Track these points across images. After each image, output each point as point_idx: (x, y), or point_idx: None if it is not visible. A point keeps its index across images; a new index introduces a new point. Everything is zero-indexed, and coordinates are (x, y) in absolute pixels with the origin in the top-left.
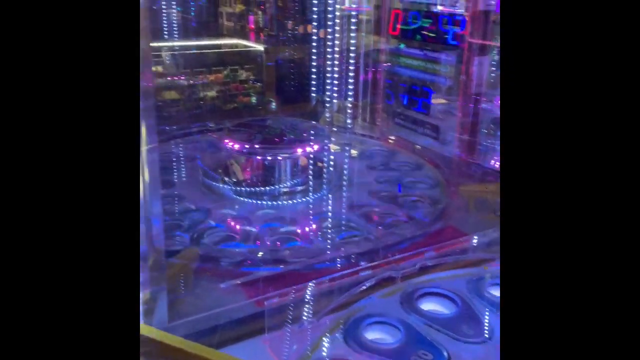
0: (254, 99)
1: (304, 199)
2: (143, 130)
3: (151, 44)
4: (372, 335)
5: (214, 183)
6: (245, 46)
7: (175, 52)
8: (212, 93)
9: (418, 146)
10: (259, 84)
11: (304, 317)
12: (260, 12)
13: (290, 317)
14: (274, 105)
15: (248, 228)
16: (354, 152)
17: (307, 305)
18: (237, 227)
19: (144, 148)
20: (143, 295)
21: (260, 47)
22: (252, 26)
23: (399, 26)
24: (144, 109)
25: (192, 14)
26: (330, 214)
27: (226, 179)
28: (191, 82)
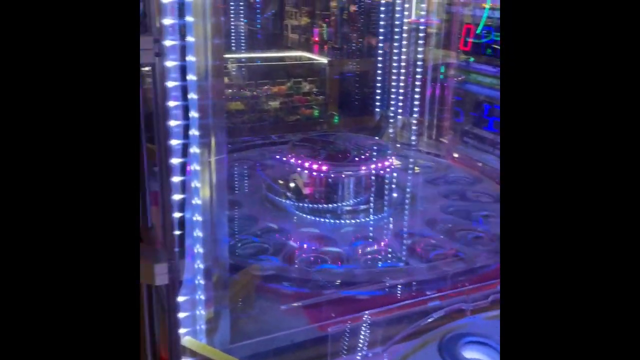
0: (316, 112)
1: (373, 217)
2: (212, 144)
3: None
4: (470, 354)
5: (277, 198)
6: (309, 59)
7: (242, 64)
8: (275, 104)
9: (487, 166)
10: (321, 96)
11: (365, 347)
12: (324, 25)
13: (353, 344)
14: (336, 119)
15: (335, 248)
16: (417, 169)
17: (368, 334)
18: (325, 247)
19: (212, 159)
20: (206, 313)
21: (324, 60)
22: (317, 39)
23: (470, 40)
24: (214, 124)
25: (258, 26)
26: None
27: (290, 194)
28: (255, 93)
